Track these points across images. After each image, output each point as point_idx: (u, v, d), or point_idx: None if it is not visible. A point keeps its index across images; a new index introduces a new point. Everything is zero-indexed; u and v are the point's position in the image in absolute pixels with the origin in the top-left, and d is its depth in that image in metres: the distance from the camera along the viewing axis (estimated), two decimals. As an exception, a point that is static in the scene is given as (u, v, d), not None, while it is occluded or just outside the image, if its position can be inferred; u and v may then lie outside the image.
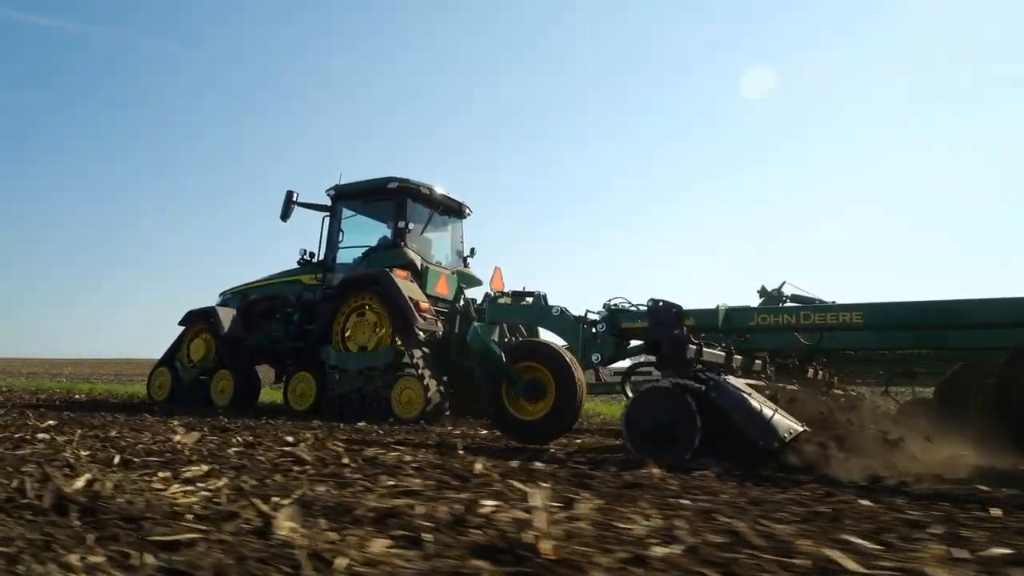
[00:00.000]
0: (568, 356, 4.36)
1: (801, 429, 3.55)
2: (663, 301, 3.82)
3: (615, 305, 4.19)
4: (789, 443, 3.37)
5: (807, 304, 3.91)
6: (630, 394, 4.07)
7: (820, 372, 6.03)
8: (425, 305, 7.34)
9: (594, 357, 4.17)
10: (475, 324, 4.59)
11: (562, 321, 4.43)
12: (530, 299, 4.61)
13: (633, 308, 4.15)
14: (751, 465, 3.28)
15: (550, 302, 4.86)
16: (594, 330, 4.21)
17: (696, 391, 3.58)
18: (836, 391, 5.96)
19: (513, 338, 7.09)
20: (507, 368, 4.36)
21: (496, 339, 4.63)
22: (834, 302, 5.37)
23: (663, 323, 3.76)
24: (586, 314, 4.33)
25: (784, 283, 6.00)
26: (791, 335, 4.36)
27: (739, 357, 4.64)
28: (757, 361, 5.02)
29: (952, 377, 5.80)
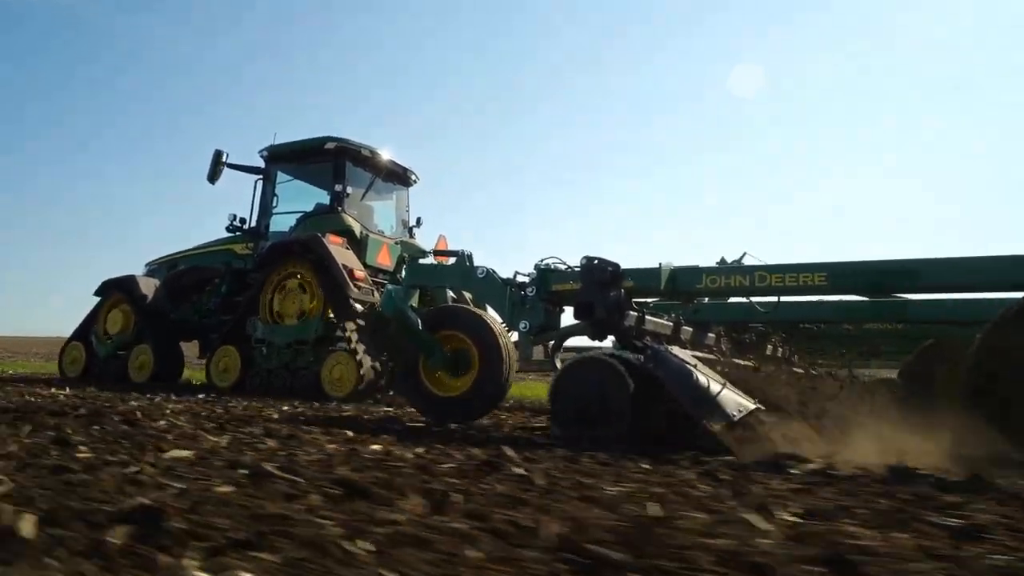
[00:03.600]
0: (495, 324, 3.84)
1: (753, 407, 3.08)
2: (598, 259, 3.30)
3: (546, 265, 3.65)
4: (739, 422, 2.89)
5: (763, 265, 3.40)
6: (559, 366, 3.55)
7: (780, 349, 5.59)
8: (360, 274, 6.75)
9: (522, 325, 3.65)
10: (388, 287, 4.03)
11: (488, 284, 3.89)
12: (453, 259, 4.05)
13: (566, 268, 3.62)
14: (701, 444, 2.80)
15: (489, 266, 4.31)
16: (523, 293, 3.67)
17: (631, 362, 3.08)
18: (796, 370, 5.54)
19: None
20: (425, 338, 3.82)
21: (416, 304, 4.07)
22: None
23: (597, 283, 3.23)
24: (515, 276, 3.80)
25: (745, 254, 5.49)
26: (746, 303, 3.88)
27: (689, 329, 4.16)
28: (710, 335, 4.56)
29: (918, 356, 5.42)
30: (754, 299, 3.72)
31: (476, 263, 4.10)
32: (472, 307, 4.22)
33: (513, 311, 3.70)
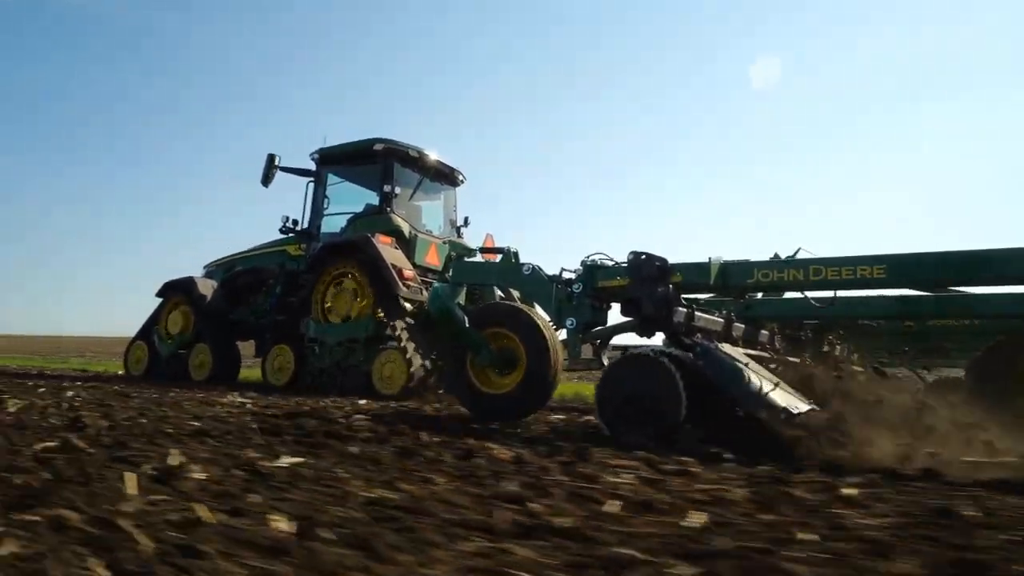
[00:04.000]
0: (541, 322, 3.81)
1: (808, 407, 2.98)
2: (646, 254, 3.23)
3: (592, 261, 3.61)
4: (794, 419, 2.79)
5: (818, 258, 3.28)
6: (606, 364, 3.50)
7: (838, 346, 5.41)
8: (409, 273, 6.81)
9: (568, 322, 3.60)
10: (435, 285, 4.04)
11: (533, 281, 3.86)
12: (498, 256, 4.03)
13: (612, 264, 3.57)
14: (750, 447, 2.72)
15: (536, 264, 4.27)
16: (569, 290, 3.63)
17: (680, 359, 3.02)
18: (856, 368, 5.35)
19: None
20: (472, 335, 3.82)
21: (462, 302, 4.07)
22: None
23: (644, 279, 3.17)
24: (561, 273, 3.76)
25: (799, 249, 5.34)
26: (800, 299, 3.76)
27: (741, 326, 4.05)
28: (764, 332, 4.43)
29: (988, 352, 5.16)
30: (809, 294, 3.59)
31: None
32: (519, 304, 4.20)
33: (560, 308, 3.67)
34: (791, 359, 4.49)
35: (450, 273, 4.33)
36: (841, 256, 3.14)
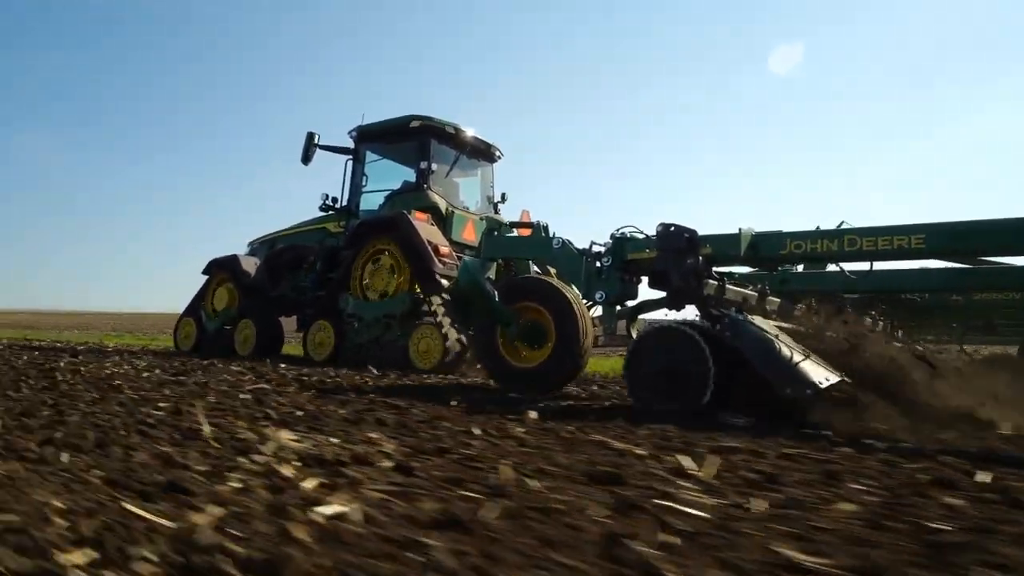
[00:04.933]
0: (571, 295, 3.81)
1: (838, 379, 2.91)
2: (674, 225, 3.19)
3: (622, 234, 3.58)
4: (823, 392, 2.75)
5: (853, 228, 3.19)
6: (635, 337, 3.48)
7: (881, 323, 5.26)
8: (445, 250, 6.86)
9: (598, 295, 3.59)
10: (465, 259, 4.07)
11: (564, 254, 3.85)
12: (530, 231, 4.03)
13: (643, 237, 3.53)
14: (777, 418, 2.70)
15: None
16: (599, 264, 3.61)
17: (708, 331, 2.98)
18: (896, 344, 5.20)
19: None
20: (501, 309, 3.83)
21: (492, 276, 4.08)
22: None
23: (673, 251, 3.13)
24: (591, 246, 3.74)
25: (843, 223, 5.22)
26: (838, 272, 3.66)
27: (776, 300, 3.98)
28: (800, 306, 4.34)
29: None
30: (846, 266, 3.50)
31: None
32: (549, 278, 4.20)
33: (589, 281, 3.65)
34: (831, 334, 4.39)
35: (481, 247, 4.35)
36: (878, 226, 3.04)
